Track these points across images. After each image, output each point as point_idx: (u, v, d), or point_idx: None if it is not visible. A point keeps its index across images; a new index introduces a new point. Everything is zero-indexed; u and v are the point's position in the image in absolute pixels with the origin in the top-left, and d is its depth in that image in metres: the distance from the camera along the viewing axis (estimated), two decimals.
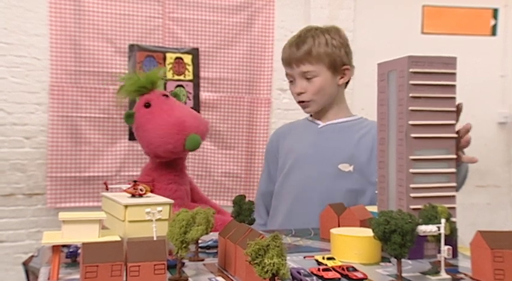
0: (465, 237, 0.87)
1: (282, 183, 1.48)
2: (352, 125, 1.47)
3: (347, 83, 1.50)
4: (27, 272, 1.01)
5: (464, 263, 0.87)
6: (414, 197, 0.90)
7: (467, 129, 0.98)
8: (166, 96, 1.53)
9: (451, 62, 0.93)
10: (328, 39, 1.43)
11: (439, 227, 0.78)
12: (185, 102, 1.60)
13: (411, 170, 0.90)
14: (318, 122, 1.49)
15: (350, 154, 1.40)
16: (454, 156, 0.94)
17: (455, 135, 0.94)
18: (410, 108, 0.90)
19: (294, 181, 1.45)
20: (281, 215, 1.45)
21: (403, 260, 0.76)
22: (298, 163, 1.45)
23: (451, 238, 0.82)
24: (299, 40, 1.45)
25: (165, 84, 2.72)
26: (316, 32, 1.45)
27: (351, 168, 1.39)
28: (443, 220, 0.79)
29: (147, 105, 1.49)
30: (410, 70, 0.90)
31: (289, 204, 1.43)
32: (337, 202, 1.15)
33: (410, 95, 0.90)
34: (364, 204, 1.17)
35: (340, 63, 1.44)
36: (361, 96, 3.07)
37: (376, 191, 1.02)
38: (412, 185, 0.90)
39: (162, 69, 1.66)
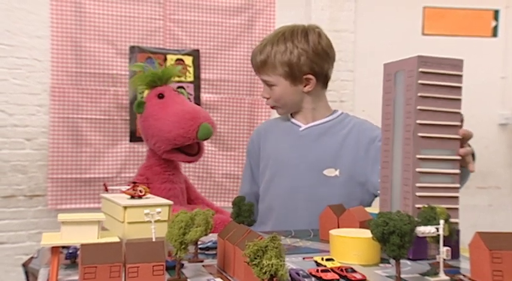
0: (466, 238, 0.87)
1: (266, 191, 1.45)
2: (333, 125, 1.43)
3: (326, 84, 1.45)
4: (26, 273, 1.01)
5: (466, 265, 0.87)
6: (420, 197, 0.90)
7: (464, 136, 0.95)
8: (177, 92, 1.55)
9: (458, 64, 0.94)
10: (288, 47, 1.37)
11: (437, 228, 0.78)
12: None
13: (418, 169, 0.90)
14: (299, 123, 1.45)
15: (335, 157, 1.37)
16: (459, 157, 0.94)
17: (460, 136, 0.94)
18: (418, 107, 0.91)
19: (278, 190, 1.42)
20: (269, 222, 1.42)
21: (402, 261, 0.76)
22: (281, 170, 1.42)
23: (450, 239, 0.82)
24: (261, 47, 1.42)
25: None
26: (280, 38, 1.39)
27: (336, 172, 1.36)
28: (441, 221, 0.79)
29: (161, 96, 1.49)
30: (420, 70, 0.90)
31: (276, 213, 1.41)
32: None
33: (419, 94, 0.91)
34: (355, 206, 1.14)
35: (299, 73, 1.38)
36: (363, 98, 3.07)
37: (376, 191, 1.02)
38: (418, 185, 0.90)
39: (178, 68, 1.67)
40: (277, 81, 1.40)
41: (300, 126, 1.45)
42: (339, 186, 1.36)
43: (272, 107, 1.48)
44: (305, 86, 1.41)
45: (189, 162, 1.55)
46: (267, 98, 1.45)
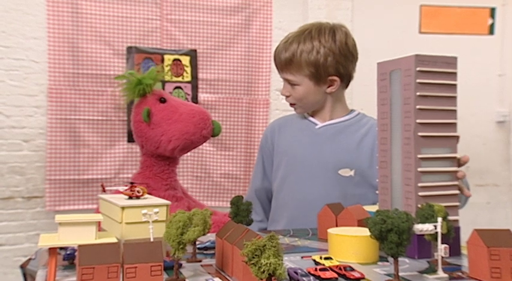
0: (465, 236, 0.87)
1: (280, 187, 1.44)
2: (350, 124, 1.43)
3: (348, 84, 1.44)
4: (24, 275, 1.01)
5: (466, 262, 0.87)
6: (422, 196, 0.90)
7: (465, 162, 0.98)
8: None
9: (452, 61, 0.94)
10: (315, 46, 1.34)
11: (435, 226, 0.78)
12: None
13: (419, 169, 0.90)
14: (315, 121, 1.44)
15: (350, 158, 1.36)
16: (457, 155, 0.95)
17: (458, 134, 0.95)
18: (418, 107, 0.91)
19: (292, 187, 1.41)
20: (282, 220, 1.41)
21: (400, 259, 0.76)
22: (295, 168, 1.41)
23: (448, 237, 0.82)
24: (286, 44, 1.39)
25: (163, 85, 2.73)
26: (307, 36, 1.36)
27: (351, 173, 1.35)
28: (439, 219, 0.79)
29: (163, 100, 1.47)
30: (418, 69, 0.91)
31: (290, 211, 1.40)
32: None
33: (418, 93, 0.91)
34: None
35: (324, 74, 1.36)
36: (360, 96, 3.07)
37: (377, 192, 1.01)
38: (420, 184, 0.90)
39: (154, 69, 1.62)
40: (301, 81, 1.38)
41: (316, 124, 1.43)
42: (353, 186, 1.34)
43: (291, 105, 1.46)
44: (329, 87, 1.39)
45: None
46: (287, 96, 1.44)
